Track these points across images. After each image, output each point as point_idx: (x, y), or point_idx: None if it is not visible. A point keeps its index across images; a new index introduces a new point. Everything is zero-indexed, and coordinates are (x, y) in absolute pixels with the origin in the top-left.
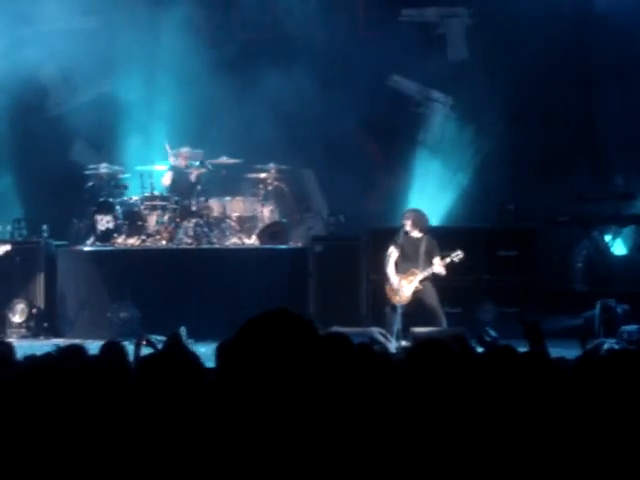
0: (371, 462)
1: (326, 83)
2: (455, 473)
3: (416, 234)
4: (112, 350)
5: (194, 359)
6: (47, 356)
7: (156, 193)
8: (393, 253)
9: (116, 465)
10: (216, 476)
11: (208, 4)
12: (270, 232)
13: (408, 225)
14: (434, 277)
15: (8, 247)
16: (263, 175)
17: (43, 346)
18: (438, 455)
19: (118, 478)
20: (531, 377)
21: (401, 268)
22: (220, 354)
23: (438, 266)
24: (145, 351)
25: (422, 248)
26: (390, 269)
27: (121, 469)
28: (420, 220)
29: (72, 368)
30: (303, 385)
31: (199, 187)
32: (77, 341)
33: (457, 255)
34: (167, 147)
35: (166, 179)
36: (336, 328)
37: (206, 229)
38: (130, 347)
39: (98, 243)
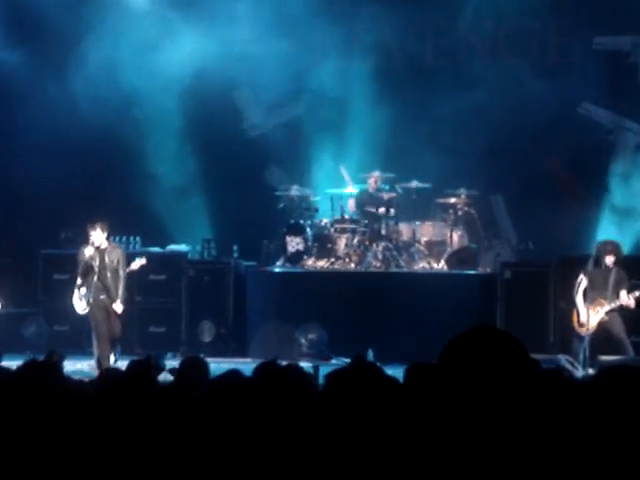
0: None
1: (516, 109)
2: None
3: (607, 264)
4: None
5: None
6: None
7: (346, 216)
8: (582, 282)
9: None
10: None
11: (399, 26)
12: (459, 257)
13: (610, 259)
14: (621, 307)
15: (144, 261)
16: (453, 200)
17: (230, 365)
18: None
19: None
20: None
21: (589, 297)
22: (409, 376)
23: (626, 299)
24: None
25: (612, 278)
26: (578, 298)
27: None
28: (619, 252)
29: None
30: (512, 401)
31: (389, 211)
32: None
33: None
34: (343, 171)
35: (351, 205)
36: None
37: (395, 253)
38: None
39: (288, 264)
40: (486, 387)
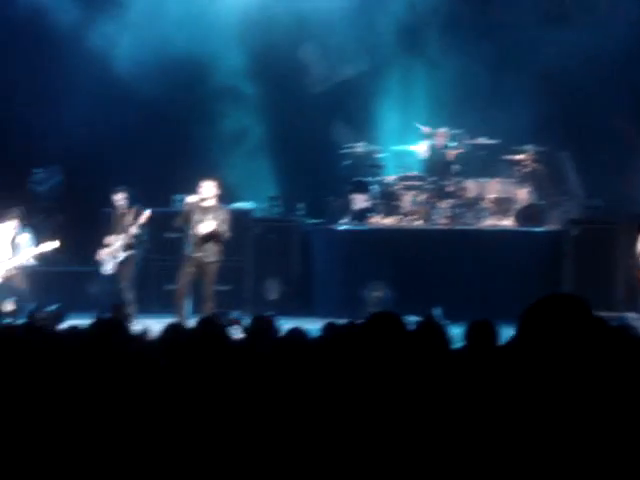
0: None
1: (584, 65)
2: None
3: None
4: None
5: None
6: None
7: (412, 173)
8: None
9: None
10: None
11: None
12: (526, 214)
13: None
14: None
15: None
16: (520, 157)
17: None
18: None
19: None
20: None
21: None
22: (472, 333)
23: None
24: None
25: None
26: None
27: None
28: None
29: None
30: (589, 365)
31: (456, 168)
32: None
33: None
34: (422, 128)
35: (422, 149)
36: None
37: (462, 210)
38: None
39: (353, 222)
40: (562, 354)
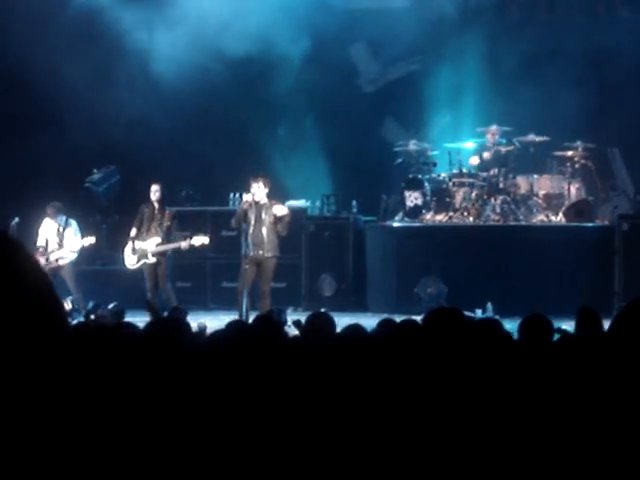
0: None
1: (633, 62)
2: None
3: None
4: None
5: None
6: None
7: (464, 170)
8: None
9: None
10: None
11: None
12: (576, 210)
13: None
14: None
15: (206, 240)
16: (570, 153)
17: (351, 320)
18: None
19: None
20: None
21: None
22: (524, 329)
23: None
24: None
25: None
26: None
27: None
28: None
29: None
30: None
31: (507, 164)
32: (385, 316)
33: None
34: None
35: (474, 160)
36: None
37: (513, 206)
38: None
39: (406, 219)
40: None
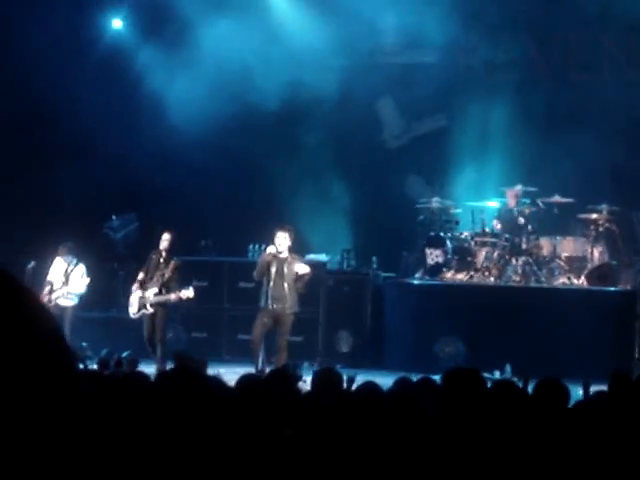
0: None
1: None
2: None
3: None
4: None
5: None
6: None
7: (487, 229)
8: None
9: None
10: None
11: (543, 40)
12: (599, 274)
13: None
14: None
15: (191, 294)
16: (595, 216)
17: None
18: None
19: None
20: None
21: None
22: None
23: None
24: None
25: None
26: None
27: None
28: None
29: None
30: None
31: (530, 226)
32: (402, 374)
33: None
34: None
35: (496, 225)
36: None
37: (535, 268)
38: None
39: (427, 277)
40: None
